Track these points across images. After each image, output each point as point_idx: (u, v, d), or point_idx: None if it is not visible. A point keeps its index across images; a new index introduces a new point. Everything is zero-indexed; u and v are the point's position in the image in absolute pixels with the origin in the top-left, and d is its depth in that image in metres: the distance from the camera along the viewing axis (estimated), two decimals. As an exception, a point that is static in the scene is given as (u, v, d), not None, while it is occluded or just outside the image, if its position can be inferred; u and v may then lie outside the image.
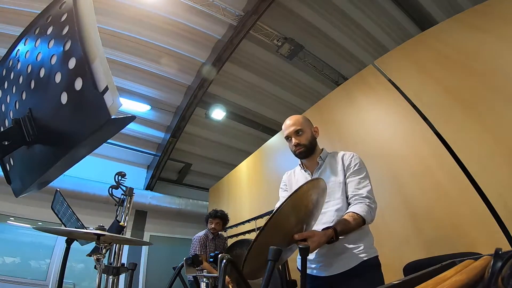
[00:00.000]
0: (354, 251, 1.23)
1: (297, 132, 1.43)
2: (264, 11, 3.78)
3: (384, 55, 2.59)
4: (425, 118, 2.07)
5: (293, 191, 0.97)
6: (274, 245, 0.82)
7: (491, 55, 1.88)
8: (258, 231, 0.95)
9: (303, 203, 1.02)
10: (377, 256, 1.27)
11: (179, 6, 3.89)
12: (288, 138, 1.47)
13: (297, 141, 1.42)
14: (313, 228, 1.18)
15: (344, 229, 1.14)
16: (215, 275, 1.18)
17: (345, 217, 1.19)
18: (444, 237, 1.75)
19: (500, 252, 0.46)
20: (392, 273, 1.76)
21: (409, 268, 1.64)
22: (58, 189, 2.11)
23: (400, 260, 1.74)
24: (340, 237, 1.13)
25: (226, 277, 2.04)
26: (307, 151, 1.43)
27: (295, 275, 2.11)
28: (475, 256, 0.68)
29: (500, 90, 1.77)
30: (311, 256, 1.28)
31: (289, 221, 1.01)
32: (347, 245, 1.24)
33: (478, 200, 1.65)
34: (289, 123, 1.46)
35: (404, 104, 2.22)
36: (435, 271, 0.61)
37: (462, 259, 0.67)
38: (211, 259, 1.11)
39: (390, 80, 2.39)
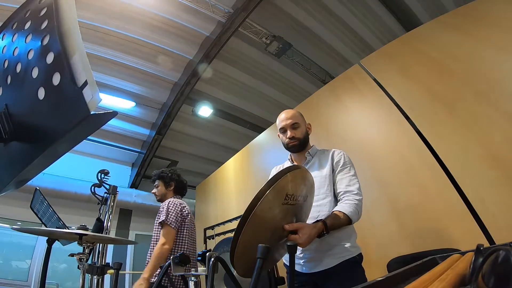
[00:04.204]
0: (340, 249, 1.25)
1: (293, 126, 1.45)
2: (253, 8, 3.77)
3: (370, 55, 2.63)
4: (407, 117, 2.12)
5: (274, 179, 0.95)
6: (263, 241, 0.81)
7: (471, 57, 1.95)
8: (237, 228, 0.92)
9: (287, 193, 1.00)
10: (361, 253, 1.30)
11: (167, 1, 3.83)
12: (283, 130, 1.47)
13: (292, 134, 1.43)
14: None
15: (334, 223, 1.14)
16: (204, 273, 1.17)
17: (335, 212, 1.20)
18: (425, 233, 1.81)
19: (481, 248, 0.46)
20: (376, 268, 1.81)
21: (392, 264, 1.68)
22: (37, 188, 2.04)
23: (384, 256, 1.79)
24: (330, 232, 1.13)
25: None
26: (300, 145, 1.45)
27: (282, 272, 2.13)
28: (455, 252, 0.70)
29: (478, 91, 1.83)
30: (297, 251, 1.29)
31: (274, 213, 0.99)
32: (332, 243, 1.25)
33: (456, 197, 1.71)
34: (286, 116, 1.48)
35: (388, 103, 2.26)
36: (417, 266, 0.62)
37: (443, 255, 0.69)
38: (199, 258, 1.09)
39: (375, 80, 2.43)
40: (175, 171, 2.38)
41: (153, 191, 2.35)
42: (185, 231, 2.06)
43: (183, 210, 2.10)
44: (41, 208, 2.00)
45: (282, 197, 0.98)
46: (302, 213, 1.14)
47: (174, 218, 2.00)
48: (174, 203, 2.07)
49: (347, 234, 1.28)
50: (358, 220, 1.26)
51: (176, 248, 1.99)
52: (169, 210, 2.02)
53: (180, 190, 2.35)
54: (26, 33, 0.58)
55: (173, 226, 1.97)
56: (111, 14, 3.93)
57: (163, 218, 1.97)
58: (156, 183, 2.33)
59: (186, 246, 2.03)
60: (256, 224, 0.93)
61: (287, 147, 1.47)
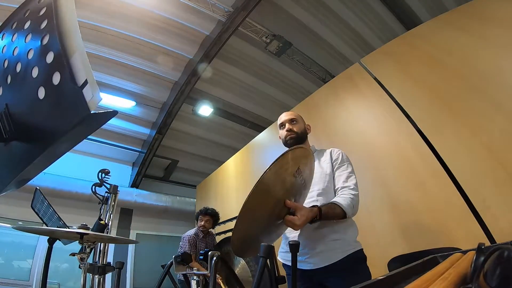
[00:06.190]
0: (339, 244, 1.25)
1: (291, 121, 1.55)
2: (253, 7, 3.76)
3: (370, 54, 2.62)
4: (408, 116, 2.11)
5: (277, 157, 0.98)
6: (265, 212, 0.80)
7: (471, 56, 1.94)
8: (249, 194, 0.94)
9: (299, 167, 1.03)
10: (362, 249, 1.30)
11: (167, 1, 3.82)
12: (282, 125, 1.57)
13: (290, 127, 1.52)
14: None
15: (329, 212, 1.17)
16: (205, 272, 1.18)
17: (331, 202, 1.23)
18: (426, 232, 1.80)
19: (483, 247, 0.46)
20: (376, 267, 1.80)
21: (393, 263, 1.68)
22: (38, 188, 2.04)
23: (385, 255, 1.79)
24: (323, 221, 1.18)
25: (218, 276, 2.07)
26: (297, 138, 1.51)
27: (283, 271, 2.13)
28: (457, 251, 0.70)
29: (478, 89, 1.82)
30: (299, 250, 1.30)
31: (284, 179, 1.01)
32: (331, 237, 1.26)
33: (457, 196, 1.70)
34: (285, 114, 1.60)
35: (389, 102, 2.26)
36: (418, 265, 0.62)
37: (444, 254, 0.69)
38: (201, 257, 1.11)
39: (375, 78, 2.42)
40: (217, 213, 3.33)
41: (202, 223, 3.16)
42: None
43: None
44: (41, 207, 2.00)
45: (296, 166, 1.02)
46: (300, 195, 1.18)
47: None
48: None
49: (346, 228, 1.30)
50: (354, 216, 1.28)
51: None
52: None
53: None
54: (25, 33, 0.57)
55: None
56: (111, 14, 3.92)
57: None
58: (209, 218, 3.19)
59: None
60: (265, 189, 0.95)
61: (285, 140, 1.54)
